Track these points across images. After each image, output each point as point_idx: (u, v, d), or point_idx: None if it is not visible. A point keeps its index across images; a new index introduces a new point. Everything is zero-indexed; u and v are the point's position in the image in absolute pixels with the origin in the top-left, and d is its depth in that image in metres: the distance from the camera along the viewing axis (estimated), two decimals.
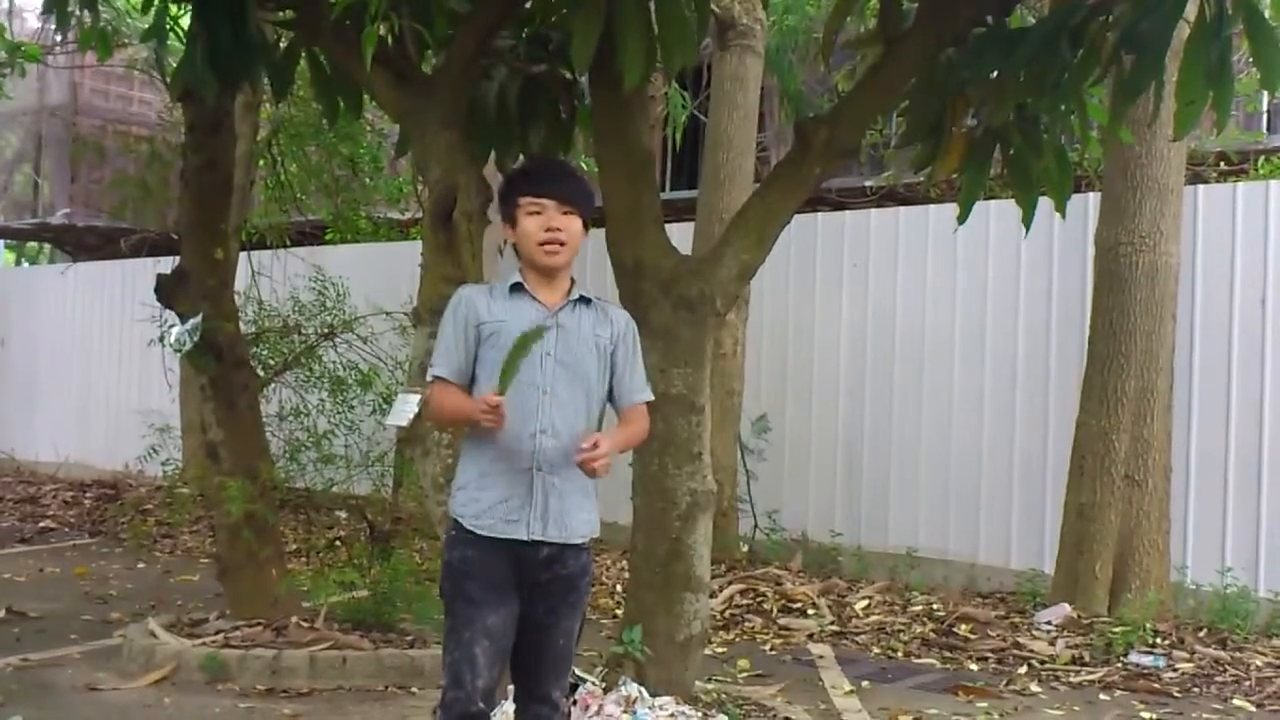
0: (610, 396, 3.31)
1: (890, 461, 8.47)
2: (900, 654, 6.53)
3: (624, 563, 7.79)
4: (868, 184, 10.94)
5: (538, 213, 3.21)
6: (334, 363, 7.81)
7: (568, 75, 5.21)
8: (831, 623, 7.10)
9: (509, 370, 3.03)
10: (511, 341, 3.10)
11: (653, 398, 3.42)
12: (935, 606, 7.29)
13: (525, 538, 3.15)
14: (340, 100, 5.30)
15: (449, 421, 3.37)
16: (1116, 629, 6.56)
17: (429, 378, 3.31)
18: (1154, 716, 5.47)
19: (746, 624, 7.08)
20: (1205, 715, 5.51)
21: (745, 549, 8.59)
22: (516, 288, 3.25)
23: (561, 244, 3.21)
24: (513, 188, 3.33)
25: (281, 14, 5.27)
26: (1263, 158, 9.89)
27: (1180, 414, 7.29)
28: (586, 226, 3.31)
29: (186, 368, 8.03)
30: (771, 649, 6.62)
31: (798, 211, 5.10)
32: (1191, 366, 7.36)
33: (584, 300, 3.29)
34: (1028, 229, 4.82)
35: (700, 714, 4.71)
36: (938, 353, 8.31)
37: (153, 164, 12.21)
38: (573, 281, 3.32)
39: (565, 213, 3.22)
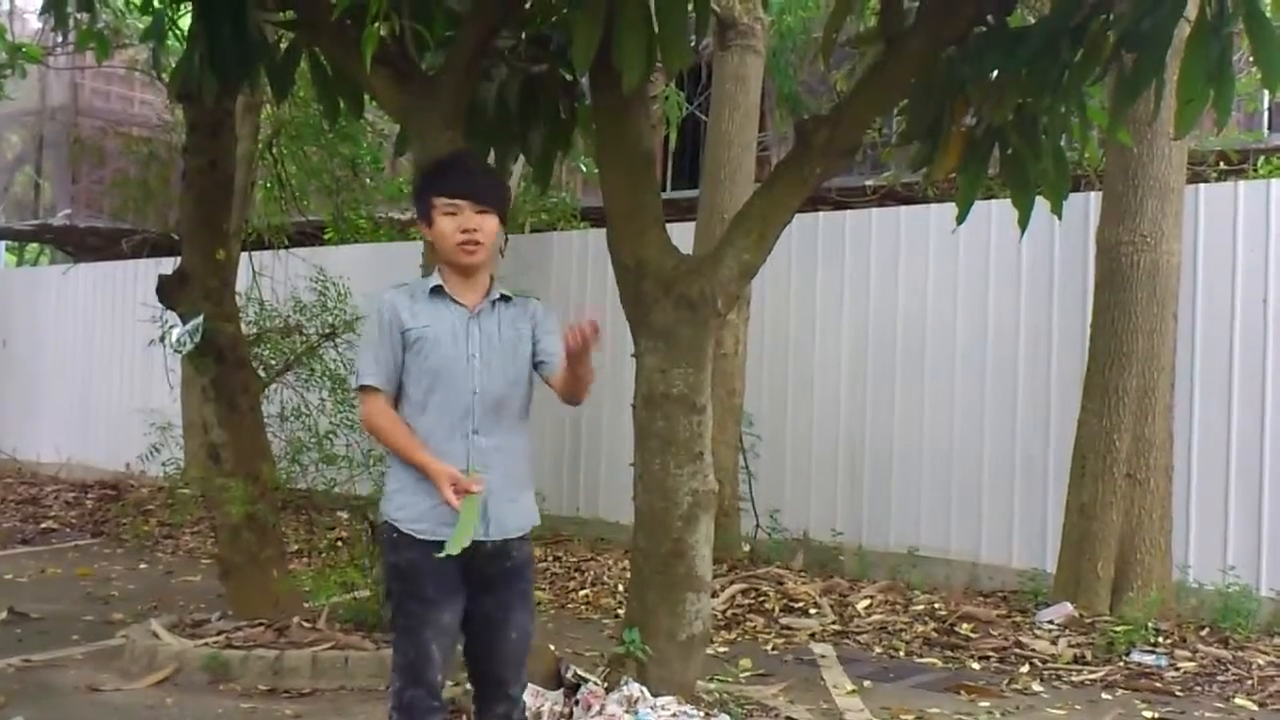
0: (541, 372, 3.33)
1: (892, 461, 8.47)
2: (902, 653, 6.53)
3: (625, 562, 7.80)
4: (868, 183, 10.95)
5: (453, 213, 3.24)
6: (335, 362, 7.82)
7: (568, 75, 5.21)
8: (833, 622, 7.10)
9: (463, 534, 3.07)
10: (436, 349, 3.19)
11: None
12: (937, 606, 7.28)
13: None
14: (341, 101, 5.31)
15: (387, 445, 3.29)
16: (1118, 628, 6.56)
17: (356, 385, 3.29)
18: (1156, 715, 5.47)
19: (748, 623, 7.08)
20: (1207, 714, 5.51)
21: (747, 548, 8.59)
22: (436, 290, 3.28)
23: (478, 243, 3.24)
24: (426, 187, 3.35)
25: (282, 14, 5.28)
26: (1263, 157, 9.90)
27: (1182, 412, 7.29)
28: (504, 222, 3.34)
29: (188, 368, 8.03)
30: (773, 648, 6.62)
31: (799, 211, 5.10)
32: (1193, 365, 7.35)
33: (504, 299, 3.33)
34: (1023, 230, 4.81)
35: (702, 713, 4.71)
36: (939, 352, 8.31)
37: (153, 165, 12.23)
38: (492, 279, 3.36)
39: (480, 212, 3.25)
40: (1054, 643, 6.48)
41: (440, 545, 3.14)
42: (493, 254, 3.33)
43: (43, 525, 10.53)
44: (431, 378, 3.21)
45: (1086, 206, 7.62)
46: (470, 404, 3.21)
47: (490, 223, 3.27)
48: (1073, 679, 6.02)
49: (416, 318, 3.24)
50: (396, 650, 3.22)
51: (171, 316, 6.54)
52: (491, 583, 3.26)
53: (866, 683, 5.89)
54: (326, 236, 12.61)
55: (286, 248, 11.44)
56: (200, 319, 6.16)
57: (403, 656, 3.19)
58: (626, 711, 4.55)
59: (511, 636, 3.30)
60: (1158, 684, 5.91)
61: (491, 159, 5.34)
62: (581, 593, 7.88)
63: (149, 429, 8.26)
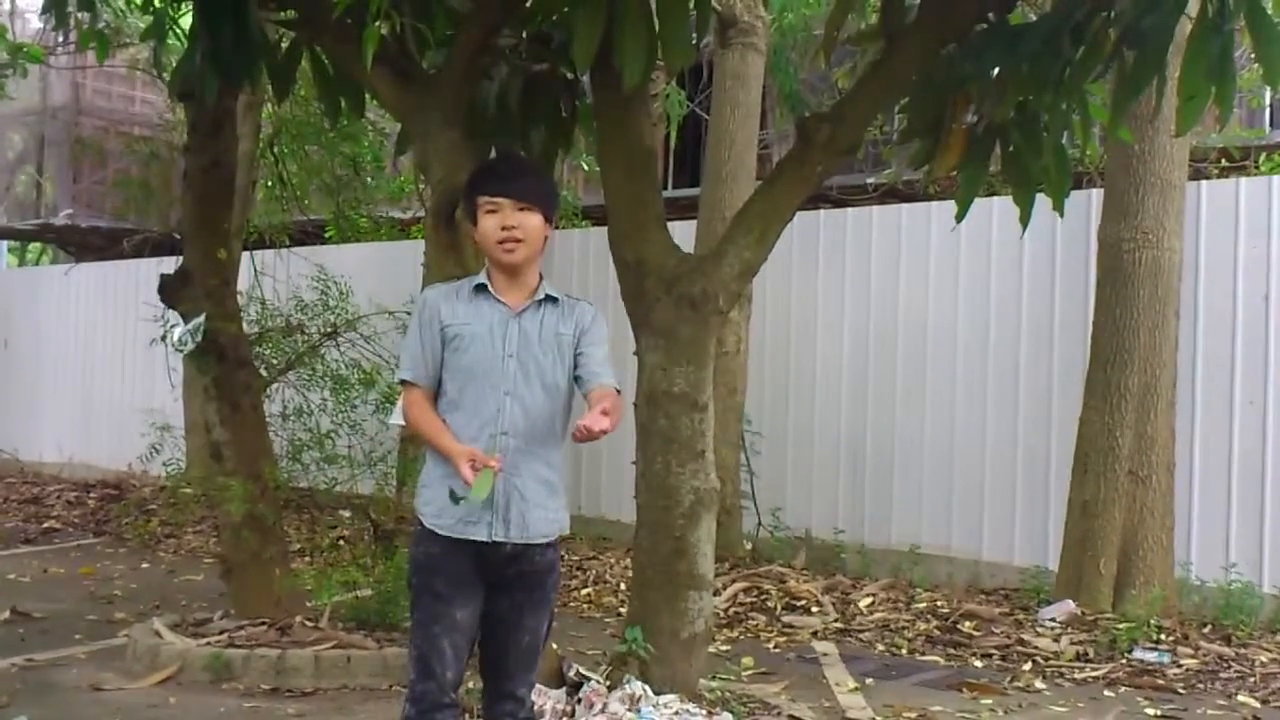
0: (578, 383, 3.28)
1: (893, 459, 8.46)
2: (904, 651, 6.53)
3: (627, 560, 7.80)
4: (869, 181, 10.94)
5: (494, 211, 3.24)
6: (337, 362, 7.82)
7: (569, 74, 5.21)
8: (835, 620, 7.10)
9: (476, 495, 3.03)
10: (472, 346, 3.19)
11: (617, 385, 3.29)
12: (939, 603, 7.29)
13: (486, 539, 3.19)
14: (342, 99, 5.31)
15: (418, 434, 3.41)
16: (1121, 625, 6.56)
17: (397, 380, 3.39)
18: (1158, 712, 5.47)
19: (750, 622, 7.08)
20: (1210, 711, 5.51)
21: (749, 547, 8.59)
22: (480, 289, 3.28)
23: (518, 241, 3.22)
24: (472, 188, 3.34)
25: (283, 13, 5.28)
26: (1265, 154, 9.89)
27: (1184, 410, 7.28)
28: (550, 221, 3.32)
29: (189, 368, 8.03)
30: (775, 646, 6.62)
31: (800, 209, 5.09)
32: (1195, 362, 7.35)
33: (550, 299, 3.31)
34: (1025, 227, 4.81)
35: (705, 712, 4.71)
36: (940, 350, 8.31)
37: (154, 164, 12.23)
38: (541, 279, 3.33)
39: (521, 209, 3.23)
40: (1056, 640, 6.48)
41: (462, 543, 3.17)
42: (538, 252, 3.30)
43: (45, 525, 10.54)
44: (466, 375, 3.21)
45: (1088, 203, 7.62)
46: (501, 404, 3.18)
47: (532, 220, 3.24)
48: (1075, 676, 6.02)
49: (456, 314, 3.24)
50: (411, 643, 3.25)
51: (173, 316, 6.53)
52: (509, 585, 3.24)
53: (869, 680, 5.89)
54: (327, 235, 12.61)
55: (288, 247, 11.45)
56: (202, 318, 6.16)
57: (415, 649, 3.22)
58: (629, 710, 4.56)
59: (524, 640, 3.28)
60: (1160, 681, 5.91)
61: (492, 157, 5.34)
62: (584, 591, 7.88)
63: (149, 428, 8.27)
